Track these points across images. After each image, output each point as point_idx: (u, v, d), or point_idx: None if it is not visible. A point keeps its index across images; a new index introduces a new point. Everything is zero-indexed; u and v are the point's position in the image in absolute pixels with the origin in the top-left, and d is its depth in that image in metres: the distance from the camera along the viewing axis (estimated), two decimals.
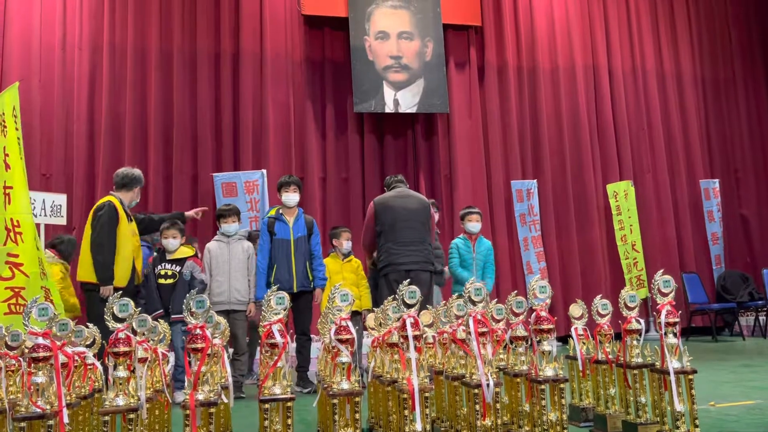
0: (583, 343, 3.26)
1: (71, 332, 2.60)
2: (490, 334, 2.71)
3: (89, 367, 2.83)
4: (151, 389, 2.76)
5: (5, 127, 4.49)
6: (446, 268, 5.80)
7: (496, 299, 3.22)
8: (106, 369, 2.51)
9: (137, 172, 4.98)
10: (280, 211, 5.19)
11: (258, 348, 5.10)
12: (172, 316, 4.79)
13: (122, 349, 2.39)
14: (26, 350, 2.55)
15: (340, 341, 2.50)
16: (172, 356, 4.77)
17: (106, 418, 2.29)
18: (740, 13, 10.21)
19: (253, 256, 5.21)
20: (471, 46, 8.88)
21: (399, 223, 4.98)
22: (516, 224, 8.43)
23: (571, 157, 8.93)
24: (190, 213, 5.55)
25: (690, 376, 2.63)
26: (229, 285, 5.08)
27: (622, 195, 8.73)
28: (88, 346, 2.92)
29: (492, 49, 8.92)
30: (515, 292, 3.16)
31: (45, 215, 5.88)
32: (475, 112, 8.77)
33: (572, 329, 3.27)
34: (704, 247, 9.31)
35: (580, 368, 3.26)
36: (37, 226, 5.08)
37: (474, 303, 2.73)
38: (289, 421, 2.38)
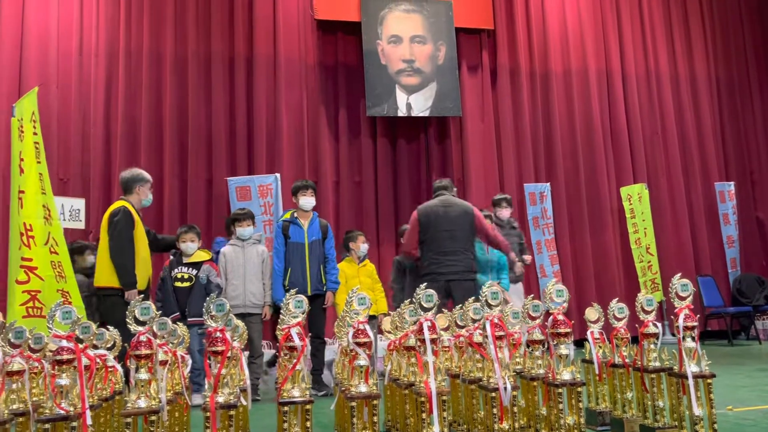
0: (599, 347, 3.26)
1: (93, 335, 2.64)
2: (506, 337, 2.72)
3: (110, 369, 2.87)
4: (171, 392, 2.79)
5: (23, 132, 4.56)
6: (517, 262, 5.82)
7: (510, 303, 3.23)
8: (127, 372, 2.55)
9: (134, 171, 4.90)
10: (295, 215, 5.23)
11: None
12: (189, 319, 4.83)
13: (144, 351, 2.42)
14: (49, 353, 2.59)
15: (358, 344, 2.52)
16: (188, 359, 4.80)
17: (129, 419, 2.32)
18: (754, 13, 10.14)
19: (268, 260, 5.24)
20: (483, 50, 8.89)
21: (440, 233, 5.07)
22: (529, 227, 8.41)
23: (584, 160, 8.90)
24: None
25: (708, 381, 2.62)
26: (245, 288, 5.12)
27: (636, 198, 8.69)
28: (109, 349, 2.96)
29: (504, 53, 8.92)
30: (531, 296, 3.16)
31: (64, 219, 5.97)
32: (487, 115, 8.77)
33: (588, 333, 3.26)
34: (720, 250, 9.24)
35: (597, 372, 3.25)
36: None
37: (491, 306, 2.73)
38: (308, 424, 2.40)
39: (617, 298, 3.27)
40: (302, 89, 8.15)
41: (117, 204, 4.76)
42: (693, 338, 2.70)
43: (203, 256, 5.12)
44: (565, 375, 2.62)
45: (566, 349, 2.68)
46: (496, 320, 2.69)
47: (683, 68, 9.60)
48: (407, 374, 2.79)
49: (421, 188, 8.54)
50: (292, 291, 2.69)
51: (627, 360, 3.06)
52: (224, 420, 2.38)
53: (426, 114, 8.37)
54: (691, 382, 2.59)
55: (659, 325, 2.92)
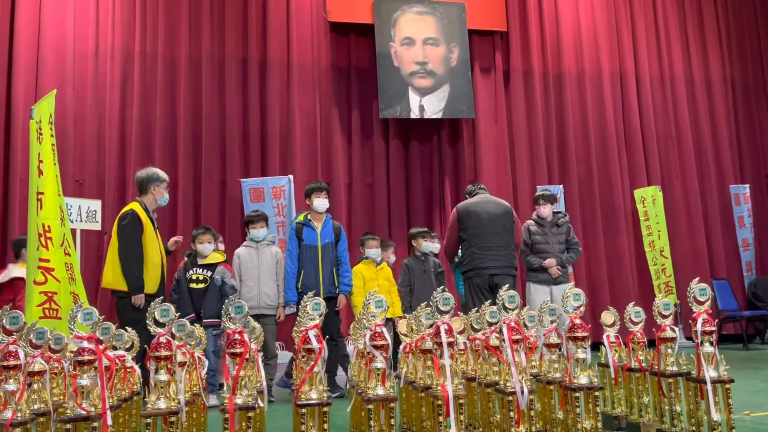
0: (615, 351, 3.24)
1: (113, 336, 2.67)
2: (523, 341, 2.71)
3: (128, 370, 2.90)
4: (189, 393, 2.81)
5: (41, 134, 4.60)
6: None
7: (527, 306, 3.23)
8: (145, 372, 2.57)
9: (149, 171, 4.79)
10: (308, 217, 5.24)
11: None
12: (204, 320, 4.86)
13: (163, 353, 2.44)
14: (69, 353, 2.62)
15: (375, 347, 2.53)
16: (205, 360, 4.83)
17: (148, 420, 2.34)
18: None
19: (282, 261, 5.26)
20: (496, 52, 8.88)
21: (483, 228, 5.11)
22: None
23: (597, 162, 8.87)
24: (171, 241, 5.14)
25: (727, 386, 2.60)
26: (259, 290, 5.14)
27: (650, 200, 8.64)
28: (128, 350, 2.98)
29: (517, 55, 8.90)
30: (547, 300, 3.15)
31: (81, 221, 6.02)
32: (500, 117, 8.76)
33: (604, 337, 3.25)
34: (735, 253, 9.17)
35: (613, 376, 3.24)
36: (73, 231, 5.16)
37: (507, 310, 2.73)
38: (326, 426, 2.41)
39: (633, 302, 3.26)
40: (315, 91, 8.18)
41: (128, 207, 4.68)
42: (711, 343, 2.69)
43: (218, 257, 5.15)
44: (582, 379, 2.62)
45: (583, 353, 2.68)
46: (512, 324, 2.69)
47: (698, 70, 9.54)
48: (423, 377, 2.79)
49: (433, 190, 8.54)
50: (310, 293, 2.70)
51: (644, 364, 3.05)
52: (242, 421, 2.40)
53: (439, 116, 8.37)
54: (709, 387, 2.57)
55: (676, 329, 2.91)
